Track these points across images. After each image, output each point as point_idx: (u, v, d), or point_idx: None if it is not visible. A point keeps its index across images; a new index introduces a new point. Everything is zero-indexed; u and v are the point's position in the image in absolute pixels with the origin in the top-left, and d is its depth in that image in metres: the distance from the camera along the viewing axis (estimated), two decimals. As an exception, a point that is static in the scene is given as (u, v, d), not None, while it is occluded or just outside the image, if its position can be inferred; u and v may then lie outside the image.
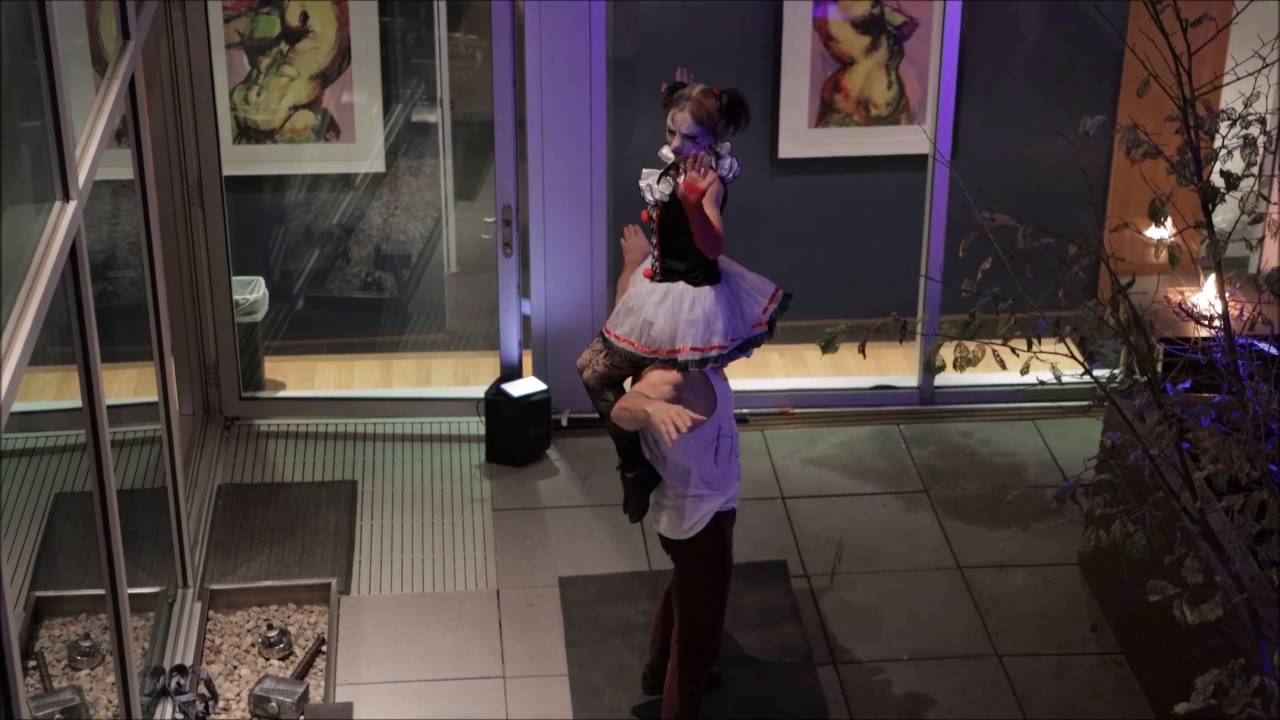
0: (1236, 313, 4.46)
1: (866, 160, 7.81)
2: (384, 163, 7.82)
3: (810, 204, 7.88)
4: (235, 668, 6.18)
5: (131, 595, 5.23)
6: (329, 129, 7.65)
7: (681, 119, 5.22)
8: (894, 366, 7.95)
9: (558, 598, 6.60)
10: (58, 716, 4.90)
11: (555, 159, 7.25)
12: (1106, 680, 6.19)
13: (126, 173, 5.77)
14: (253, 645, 6.28)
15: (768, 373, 7.95)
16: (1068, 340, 4.28)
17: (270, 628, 6.29)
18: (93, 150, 4.78)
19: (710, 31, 7.53)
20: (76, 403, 4.89)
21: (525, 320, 7.59)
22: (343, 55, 7.53)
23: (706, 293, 5.28)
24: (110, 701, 5.22)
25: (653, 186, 5.31)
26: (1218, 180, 4.29)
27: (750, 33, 7.54)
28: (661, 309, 5.29)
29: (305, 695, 5.96)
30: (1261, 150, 4.25)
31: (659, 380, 5.25)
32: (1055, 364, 4.37)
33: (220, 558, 6.78)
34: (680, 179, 5.14)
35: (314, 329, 8.07)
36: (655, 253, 5.37)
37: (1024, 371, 4.33)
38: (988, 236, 4.36)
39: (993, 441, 7.61)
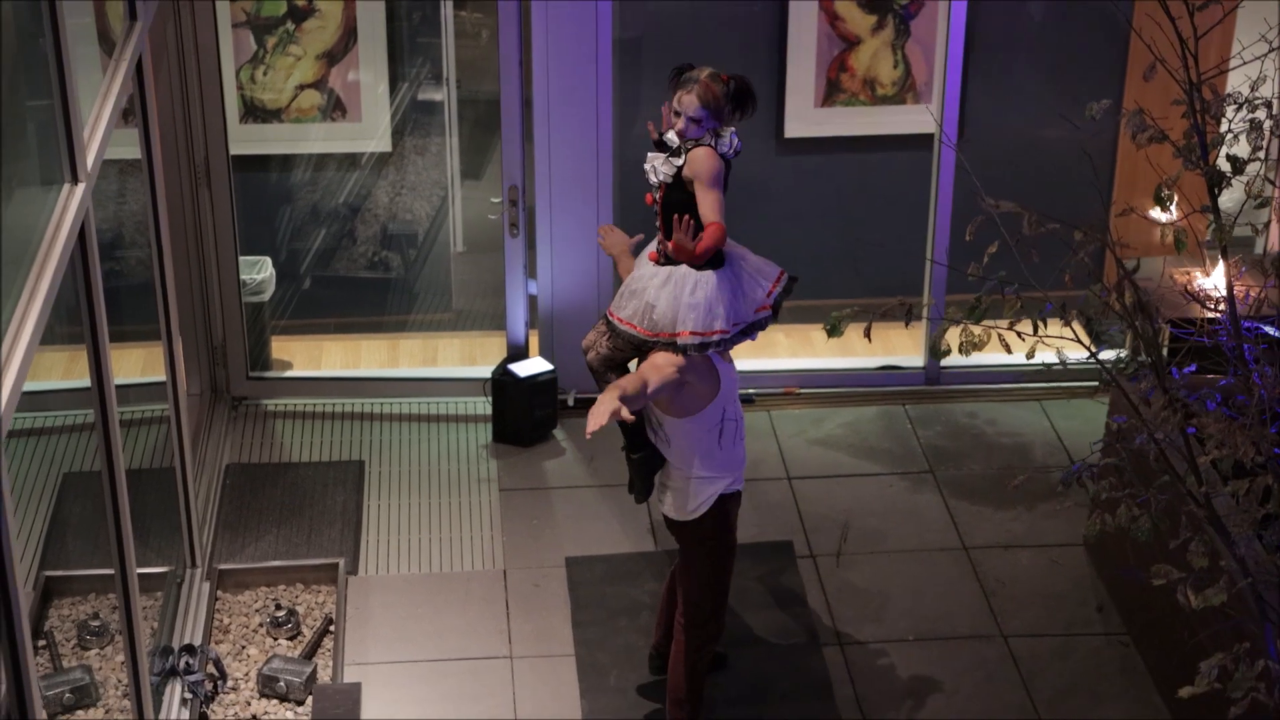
0: (1242, 296, 4.46)
1: (873, 140, 7.80)
2: (390, 142, 7.82)
3: (816, 184, 7.87)
4: (243, 647, 6.20)
5: (140, 575, 5.23)
6: (335, 108, 7.64)
7: (688, 101, 5.22)
8: (900, 347, 7.95)
9: (564, 578, 6.62)
10: (67, 695, 4.92)
11: (561, 139, 7.24)
12: (1111, 661, 6.20)
13: (133, 152, 5.77)
14: (261, 625, 6.30)
15: (773, 353, 7.95)
16: (1074, 324, 4.29)
17: (278, 607, 6.31)
18: (100, 132, 4.77)
19: (716, 10, 7.52)
20: (85, 382, 4.89)
21: (532, 300, 7.58)
22: (349, 34, 7.52)
23: (709, 276, 5.28)
24: (119, 681, 5.24)
25: (656, 168, 5.31)
26: (1224, 164, 4.30)
27: (756, 12, 7.53)
28: (663, 292, 5.28)
29: (313, 675, 5.98)
30: (1268, 134, 4.25)
31: (663, 362, 5.25)
32: (1061, 349, 4.37)
33: (228, 537, 6.79)
34: (669, 243, 5.20)
35: (321, 309, 8.07)
36: (659, 235, 5.37)
37: (1030, 356, 4.34)
38: (994, 220, 4.36)
39: (999, 422, 7.61)
